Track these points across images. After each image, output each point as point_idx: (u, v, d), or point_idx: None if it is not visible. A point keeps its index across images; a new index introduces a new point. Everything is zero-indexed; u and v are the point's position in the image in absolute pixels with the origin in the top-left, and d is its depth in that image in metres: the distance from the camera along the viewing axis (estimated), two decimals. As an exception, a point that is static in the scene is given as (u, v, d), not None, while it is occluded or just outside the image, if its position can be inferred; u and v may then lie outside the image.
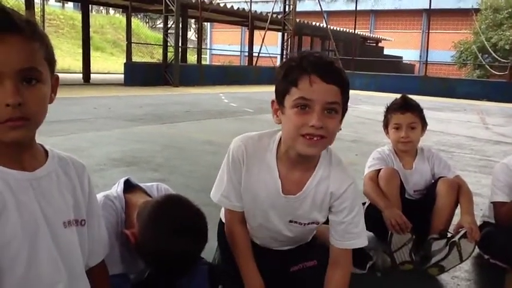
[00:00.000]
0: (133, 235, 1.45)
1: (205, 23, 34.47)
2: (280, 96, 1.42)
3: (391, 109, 2.70)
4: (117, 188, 1.62)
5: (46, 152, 1.18)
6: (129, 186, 1.67)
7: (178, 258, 1.42)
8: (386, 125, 2.73)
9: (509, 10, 25.36)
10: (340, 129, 2.25)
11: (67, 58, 25.14)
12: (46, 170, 1.14)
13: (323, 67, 1.38)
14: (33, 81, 1.04)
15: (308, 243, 1.87)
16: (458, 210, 2.49)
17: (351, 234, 1.61)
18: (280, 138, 1.57)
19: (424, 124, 2.67)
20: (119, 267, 1.48)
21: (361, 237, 1.63)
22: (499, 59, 22.84)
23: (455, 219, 2.46)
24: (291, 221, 1.64)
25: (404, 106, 2.65)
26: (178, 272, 1.48)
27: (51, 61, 1.10)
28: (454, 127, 8.68)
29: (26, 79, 1.03)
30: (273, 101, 1.48)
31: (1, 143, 1.05)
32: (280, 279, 1.78)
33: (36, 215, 1.09)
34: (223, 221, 1.87)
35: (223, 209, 1.86)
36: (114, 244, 1.44)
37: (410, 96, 2.78)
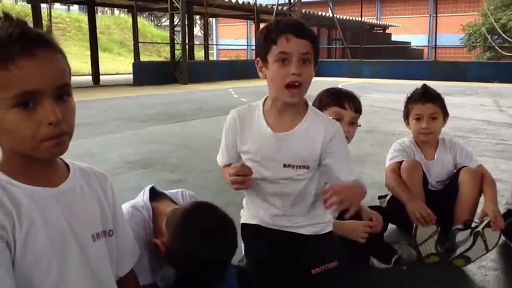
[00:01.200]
0: (163, 244, 1.45)
1: (211, 19, 34.42)
2: (263, 54, 1.69)
3: (411, 99, 2.66)
4: (143, 197, 1.62)
5: (66, 165, 1.18)
6: (155, 194, 1.67)
7: (211, 264, 1.42)
8: (407, 116, 2.69)
9: (518, -11, 25.01)
10: (360, 125, 2.25)
11: (75, 61, 25.25)
12: (70, 183, 1.14)
13: (296, 27, 1.67)
14: (65, 97, 1.05)
15: (327, 242, 1.87)
16: (481, 200, 2.45)
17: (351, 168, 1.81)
18: (265, 98, 1.81)
19: (445, 114, 2.63)
20: (149, 277, 1.48)
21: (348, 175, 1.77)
22: (508, 39, 22.49)
23: (480, 209, 2.42)
24: (285, 165, 1.76)
25: (425, 96, 2.61)
26: (210, 278, 1.48)
27: (70, 71, 1.11)
28: (467, 111, 8.59)
29: (59, 96, 1.04)
30: (257, 61, 1.73)
31: (26, 160, 1.06)
32: (303, 283, 1.78)
33: (63, 231, 1.08)
34: (244, 221, 1.94)
35: (241, 211, 1.99)
36: (144, 254, 1.43)
37: (421, 81, 2.74)
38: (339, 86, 2.48)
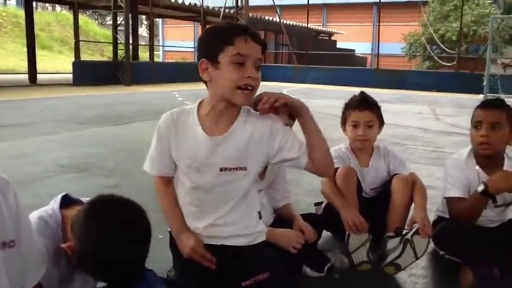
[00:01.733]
0: (70, 248, 1.35)
1: (157, 19, 33.90)
2: (213, 55, 1.61)
3: (349, 106, 2.67)
4: (54, 205, 1.51)
5: None
6: (69, 202, 1.56)
7: (122, 259, 1.32)
8: (344, 122, 2.70)
9: (455, 2, 26.00)
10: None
11: (11, 58, 24.15)
12: None
13: (251, 31, 1.63)
14: None
15: (259, 253, 1.82)
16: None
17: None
18: (200, 102, 1.75)
19: (381, 122, 2.65)
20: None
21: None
22: (446, 50, 23.48)
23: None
24: (221, 169, 1.71)
25: (363, 104, 2.62)
26: (127, 276, 1.38)
27: None
28: (406, 119, 8.86)
29: None
30: (201, 62, 1.65)
31: None
32: None
33: None
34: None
35: None
36: (51, 267, 1.32)
37: (363, 89, 2.76)
38: (284, 91, 2.44)
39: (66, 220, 1.47)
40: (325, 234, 2.62)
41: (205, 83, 1.69)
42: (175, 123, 1.73)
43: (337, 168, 2.54)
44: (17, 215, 1.15)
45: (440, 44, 23.75)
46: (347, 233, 2.32)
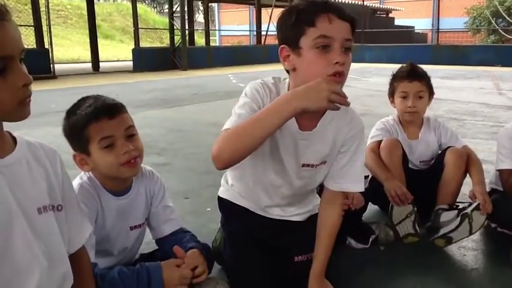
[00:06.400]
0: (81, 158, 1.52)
1: (213, 4, 34.19)
2: (293, 39, 1.40)
3: (397, 77, 2.60)
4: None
5: (14, 139, 1.15)
6: None
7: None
8: (392, 94, 2.63)
9: (523, -29, 24.63)
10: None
11: (77, 48, 25.17)
12: (16, 156, 1.11)
13: (336, 6, 1.40)
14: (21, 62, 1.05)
15: (312, 230, 1.75)
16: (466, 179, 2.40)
17: (350, 177, 1.64)
18: (289, 84, 1.54)
19: (431, 93, 2.57)
20: (92, 256, 1.44)
21: (357, 182, 1.65)
22: (513, 22, 22.28)
23: (465, 189, 2.39)
24: (303, 165, 1.61)
25: (412, 74, 2.55)
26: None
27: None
28: (466, 94, 8.48)
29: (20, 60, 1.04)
30: (282, 48, 1.46)
31: None
32: (284, 267, 1.75)
33: (9, 203, 1.06)
34: (230, 199, 1.83)
35: (221, 188, 1.89)
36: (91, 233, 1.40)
37: (423, 66, 2.68)
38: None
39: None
40: (371, 207, 2.59)
41: (288, 72, 1.51)
42: (271, 90, 1.53)
43: (381, 140, 2.50)
44: (63, 183, 1.22)
45: (506, 16, 22.45)
46: (390, 204, 2.28)
